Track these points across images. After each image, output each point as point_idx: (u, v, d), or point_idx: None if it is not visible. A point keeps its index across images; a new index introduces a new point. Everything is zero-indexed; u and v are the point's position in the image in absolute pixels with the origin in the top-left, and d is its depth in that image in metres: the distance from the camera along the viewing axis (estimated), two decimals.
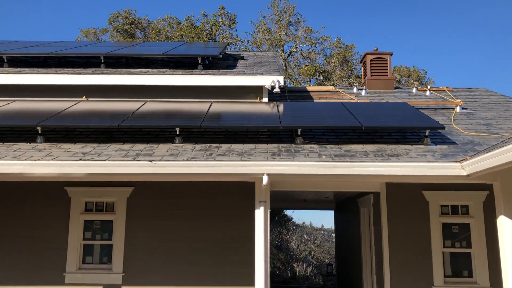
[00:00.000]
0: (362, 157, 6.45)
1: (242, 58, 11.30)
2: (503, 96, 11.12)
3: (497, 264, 7.21)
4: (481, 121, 8.83)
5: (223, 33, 28.65)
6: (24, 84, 8.98)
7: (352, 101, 10.22)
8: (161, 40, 27.18)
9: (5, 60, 9.61)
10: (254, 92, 9.19)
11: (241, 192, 7.86)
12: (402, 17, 57.13)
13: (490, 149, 6.16)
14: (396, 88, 12.09)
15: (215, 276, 7.83)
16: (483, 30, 59.59)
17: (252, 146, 7.04)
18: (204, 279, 7.82)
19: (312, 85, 27.17)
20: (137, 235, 8.02)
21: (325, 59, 28.92)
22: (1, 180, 7.13)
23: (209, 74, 9.12)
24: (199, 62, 9.61)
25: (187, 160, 6.30)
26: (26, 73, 9.03)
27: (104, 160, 6.27)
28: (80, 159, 6.30)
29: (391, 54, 12.22)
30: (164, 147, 6.99)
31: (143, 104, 8.40)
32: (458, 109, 9.62)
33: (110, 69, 9.39)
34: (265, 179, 6.15)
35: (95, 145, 7.06)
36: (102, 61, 9.65)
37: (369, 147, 6.96)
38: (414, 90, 11.66)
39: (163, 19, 29.35)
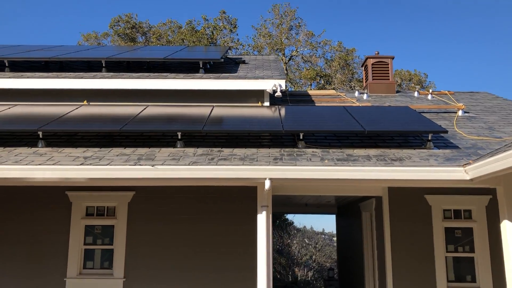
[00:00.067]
0: (364, 162, 6.41)
1: (244, 62, 11.28)
2: (505, 100, 11.09)
3: (500, 269, 7.17)
4: (484, 125, 8.81)
5: (224, 37, 28.66)
6: (25, 88, 8.96)
7: (354, 105, 10.20)
8: (162, 44, 27.20)
9: (7, 65, 9.60)
10: (255, 96, 9.17)
11: (243, 197, 7.83)
12: (402, 21, 57.20)
13: (493, 153, 6.13)
14: (397, 92, 12.07)
15: (217, 281, 7.79)
16: (483, 34, 59.64)
17: (254, 150, 7.01)
18: (206, 284, 7.78)
19: (313, 89, 27.17)
20: (138, 240, 7.98)
21: (326, 63, 28.93)
22: (1, 185, 7.11)
23: (210, 78, 9.10)
24: (201, 66, 9.59)
25: (189, 164, 6.27)
26: (28, 77, 9.02)
27: (106, 165, 6.24)
28: (82, 164, 6.28)
29: (393, 58, 12.22)
30: (165, 151, 6.96)
31: (145, 108, 8.38)
32: (460, 113, 9.60)
33: (111, 73, 9.37)
34: (267, 184, 6.12)
35: (96, 149, 7.03)
36: (104, 65, 9.64)
37: (372, 151, 6.93)
38: (415, 94, 11.64)
39: (164, 23, 29.38)
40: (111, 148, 7.09)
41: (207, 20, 29.03)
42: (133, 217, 8.07)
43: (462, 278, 7.86)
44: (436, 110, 9.88)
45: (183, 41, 26.90)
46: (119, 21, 28.87)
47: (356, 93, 11.63)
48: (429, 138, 7.19)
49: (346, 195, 9.52)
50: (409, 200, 7.99)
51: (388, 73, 12.04)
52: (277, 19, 29.18)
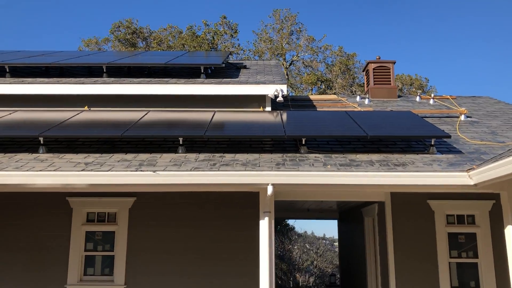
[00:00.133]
0: (367, 167, 6.37)
1: (245, 67, 11.26)
2: (507, 105, 11.06)
3: (505, 274, 7.11)
4: (486, 129, 8.77)
5: (225, 42, 28.69)
6: (26, 94, 8.93)
7: (355, 109, 10.16)
8: (163, 49, 27.22)
9: (7, 70, 9.58)
10: (257, 101, 9.14)
11: (245, 202, 7.78)
12: (403, 25, 57.27)
13: (497, 158, 6.09)
14: (399, 96, 12.04)
15: (219, 286, 7.74)
16: (484, 36, 59.70)
17: (256, 155, 6.97)
18: None
19: (314, 93, 27.17)
20: (139, 246, 7.93)
21: (327, 67, 28.94)
22: (2, 191, 7.07)
23: (212, 83, 9.07)
24: (202, 71, 9.57)
25: (190, 170, 6.23)
26: (28, 83, 8.99)
27: (107, 171, 6.20)
28: (83, 170, 6.23)
29: (394, 63, 12.19)
30: (167, 157, 6.92)
31: (146, 114, 8.35)
32: (462, 117, 9.56)
33: (112, 79, 9.34)
34: (269, 189, 6.07)
35: (97, 155, 6.99)
36: (104, 70, 9.62)
37: (374, 157, 6.88)
38: (417, 98, 11.61)
39: (164, 29, 29.42)
40: (112, 154, 7.05)
41: (207, 25, 29.08)
42: (134, 223, 8.02)
43: (465, 284, 7.80)
44: (438, 115, 9.84)
45: (184, 46, 26.92)
46: (119, 26, 28.90)
47: (358, 98, 11.60)
48: (432, 143, 7.15)
49: (348, 200, 9.49)
50: (412, 205, 7.94)
51: (390, 78, 12.01)
52: (278, 24, 29.23)
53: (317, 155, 7.00)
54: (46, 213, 8.05)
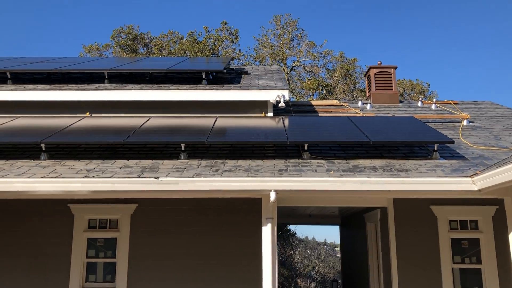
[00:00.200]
0: (371, 173, 6.34)
1: (246, 72, 11.26)
2: (509, 109, 11.05)
3: (509, 280, 7.08)
4: (489, 134, 8.74)
5: (225, 48, 28.73)
6: (28, 100, 8.93)
7: (357, 115, 10.15)
8: (164, 55, 27.25)
9: (9, 77, 9.58)
10: (259, 106, 9.13)
11: (247, 208, 7.74)
12: (403, 31, 57.37)
13: (501, 163, 6.06)
14: (401, 101, 12.03)
15: None
16: (485, 40, 59.76)
17: (258, 161, 6.95)
18: None
19: (315, 99, 27.16)
20: (141, 252, 7.89)
21: (328, 73, 28.96)
22: (3, 198, 7.05)
23: (213, 89, 9.06)
24: (203, 77, 9.56)
25: (193, 176, 6.21)
26: (30, 89, 8.99)
27: (109, 177, 6.18)
28: (85, 176, 6.22)
29: (396, 68, 12.19)
30: (169, 163, 6.90)
31: (148, 120, 8.33)
32: (465, 122, 9.54)
33: (114, 85, 9.33)
34: (272, 196, 6.05)
35: (99, 161, 6.97)
36: (106, 76, 9.61)
37: (377, 162, 6.86)
38: (419, 103, 11.59)
39: (165, 35, 29.46)
40: (114, 160, 7.03)
41: (208, 31, 29.14)
42: (136, 230, 7.98)
43: None
44: (440, 120, 9.82)
45: (185, 52, 26.95)
46: (120, 32, 28.96)
47: (359, 103, 11.59)
48: (435, 149, 7.13)
49: (351, 206, 9.44)
50: (415, 211, 7.90)
51: (391, 83, 12.01)
52: (279, 30, 29.27)
53: (319, 161, 6.97)
54: (47, 220, 8.01)
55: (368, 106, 11.21)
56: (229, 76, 10.59)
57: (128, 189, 6.16)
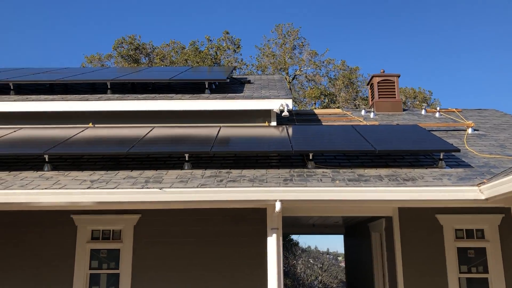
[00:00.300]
0: (376, 182, 6.29)
1: (249, 82, 11.25)
2: None
3: None
4: (494, 142, 8.69)
5: (228, 57, 28.79)
6: (30, 111, 8.91)
7: (361, 123, 10.11)
8: (166, 65, 27.31)
9: (12, 88, 9.57)
10: (262, 116, 9.10)
11: (251, 218, 7.68)
12: (404, 39, 57.49)
13: (508, 172, 6.01)
14: (404, 110, 11.99)
15: None
16: (486, 49, 59.88)
17: (263, 171, 6.90)
18: None
19: (318, 107, 27.16)
20: (145, 263, 7.83)
21: (330, 81, 28.97)
22: (6, 210, 7.00)
23: (216, 98, 9.04)
24: (206, 86, 9.54)
25: (197, 187, 6.16)
26: (33, 100, 8.97)
27: (113, 188, 6.14)
28: (89, 187, 6.17)
29: (399, 76, 12.16)
30: (173, 173, 6.85)
31: (151, 130, 8.30)
32: (469, 130, 9.49)
33: (117, 95, 9.32)
34: (277, 206, 5.99)
35: (103, 172, 6.93)
36: (109, 87, 9.60)
37: (383, 171, 6.80)
38: (423, 111, 11.55)
39: (167, 44, 29.55)
40: (117, 171, 6.99)
41: (210, 40, 29.23)
42: (139, 240, 7.93)
43: None
44: (445, 128, 9.77)
45: (187, 61, 27.01)
46: (122, 42, 29.05)
47: (363, 112, 11.54)
48: (441, 157, 7.07)
49: (355, 215, 9.37)
50: (420, 220, 7.83)
51: (394, 91, 11.97)
52: (280, 39, 29.35)
53: (325, 170, 6.92)
54: (50, 231, 7.96)
55: (371, 115, 11.17)
56: (232, 86, 10.57)
57: (132, 200, 6.11)
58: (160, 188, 6.10)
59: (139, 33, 37.51)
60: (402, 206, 7.63)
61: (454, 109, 11.47)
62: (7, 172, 7.01)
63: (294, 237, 25.79)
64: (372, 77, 12.29)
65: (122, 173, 6.87)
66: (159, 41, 35.73)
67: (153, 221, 7.95)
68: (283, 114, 8.78)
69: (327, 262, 30.93)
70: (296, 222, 12.95)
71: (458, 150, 7.06)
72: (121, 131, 8.37)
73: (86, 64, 28.94)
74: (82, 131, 8.32)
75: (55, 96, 9.31)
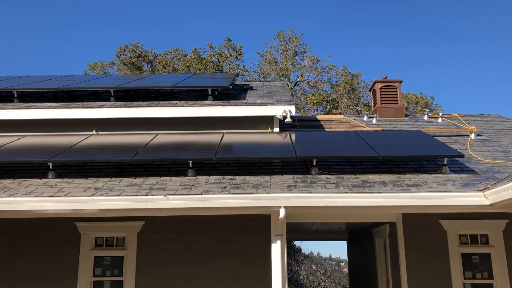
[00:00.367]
0: (381, 188, 6.28)
1: (251, 88, 11.27)
2: None
3: None
4: (498, 147, 8.68)
5: (230, 64, 28.86)
6: (34, 119, 8.94)
7: (364, 129, 10.11)
8: (168, 72, 27.37)
9: (15, 96, 9.61)
10: (265, 122, 9.11)
11: (255, 225, 7.66)
12: (405, 45, 57.59)
13: None
14: (407, 115, 12.00)
15: None
16: (487, 49, 59.93)
17: (267, 177, 6.90)
18: None
19: (320, 113, 27.17)
20: (149, 271, 7.81)
21: (332, 87, 29.00)
22: (10, 217, 7.01)
23: (219, 105, 9.06)
24: (209, 93, 9.57)
25: (201, 193, 6.16)
26: (37, 108, 9.00)
27: (117, 195, 6.14)
28: (93, 195, 6.18)
29: (401, 82, 12.18)
30: (177, 180, 6.86)
31: (155, 137, 8.32)
32: (473, 136, 9.49)
33: (120, 102, 9.35)
34: (282, 212, 5.98)
35: (107, 179, 6.93)
36: (112, 94, 9.63)
37: (387, 177, 6.80)
38: (425, 117, 11.56)
39: (169, 52, 29.64)
40: (121, 178, 7.00)
41: (212, 47, 29.32)
42: (143, 247, 7.91)
43: None
44: (448, 134, 9.77)
45: (189, 68, 27.08)
46: (125, 50, 29.14)
47: (365, 118, 11.56)
48: (445, 163, 7.07)
49: (359, 221, 9.35)
50: (424, 225, 7.81)
51: (397, 97, 11.99)
52: (282, 46, 29.40)
53: (328, 176, 6.92)
54: (54, 239, 7.95)
55: (374, 121, 11.18)
56: (234, 92, 10.59)
57: (137, 207, 6.11)
58: (164, 195, 6.10)
59: (142, 41, 37.70)
60: (406, 212, 7.61)
61: (456, 115, 11.47)
62: (12, 179, 7.03)
63: (297, 243, 25.74)
64: (375, 83, 12.31)
65: (126, 180, 6.87)
66: (162, 49, 35.93)
67: (156, 228, 7.94)
68: (286, 120, 8.79)
69: (329, 268, 30.85)
70: (299, 228, 12.92)
71: (462, 156, 7.05)
72: (125, 138, 8.39)
73: (89, 71, 29.03)
74: (86, 138, 8.34)
75: (58, 104, 9.34)
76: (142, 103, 9.28)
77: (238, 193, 6.14)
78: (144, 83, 10.81)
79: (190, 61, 27.68)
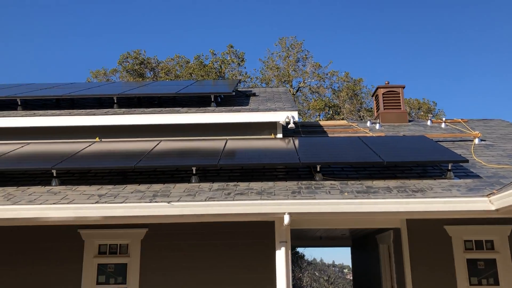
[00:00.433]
0: (385, 194, 6.26)
1: (254, 94, 11.28)
2: None
3: None
4: (502, 152, 8.65)
5: (232, 71, 28.91)
6: (38, 126, 8.94)
7: (367, 135, 10.09)
8: (171, 79, 27.42)
9: (19, 103, 9.63)
10: (268, 128, 9.10)
11: (259, 231, 7.63)
12: (406, 51, 57.63)
13: None
14: (410, 121, 11.98)
15: None
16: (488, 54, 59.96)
17: (270, 183, 6.88)
18: None
19: (322, 119, 27.16)
20: (152, 278, 7.78)
21: (334, 93, 29.01)
22: (14, 225, 6.99)
23: (222, 111, 9.06)
24: (212, 100, 9.57)
25: (205, 200, 6.15)
26: (40, 116, 9.01)
27: (121, 203, 6.13)
28: (97, 202, 6.17)
29: (403, 87, 12.16)
30: (180, 187, 6.84)
31: (158, 144, 8.31)
32: (476, 141, 9.46)
33: (123, 109, 9.35)
34: (286, 219, 5.96)
35: (110, 186, 6.92)
36: (115, 101, 9.63)
37: (391, 183, 6.77)
38: (428, 122, 11.54)
39: (172, 59, 29.71)
40: (125, 185, 6.99)
41: (215, 54, 29.38)
42: (147, 255, 7.89)
43: None
44: (451, 139, 9.75)
45: (191, 75, 27.12)
46: (127, 57, 29.21)
47: (368, 123, 11.54)
48: (449, 168, 7.04)
49: (363, 227, 9.32)
50: (428, 231, 7.78)
51: (400, 102, 11.97)
52: (284, 52, 29.44)
53: (332, 182, 6.90)
54: (57, 246, 7.92)
55: (377, 126, 11.16)
56: (237, 98, 10.59)
57: (141, 214, 6.10)
58: (168, 202, 6.08)
59: (144, 48, 37.69)
60: (411, 218, 7.58)
61: (459, 120, 11.45)
62: (16, 187, 7.02)
63: (300, 249, 25.65)
64: (377, 88, 12.30)
65: (130, 187, 6.86)
66: (164, 56, 35.90)
67: (160, 235, 7.92)
68: (289, 126, 8.78)
69: (333, 275, 30.74)
70: (303, 234, 12.88)
71: (467, 161, 7.03)
72: (128, 145, 8.38)
73: (92, 79, 29.10)
74: (89, 145, 8.34)
75: (62, 111, 9.35)
76: (145, 110, 9.29)
77: (242, 200, 6.13)
78: (147, 90, 10.82)
79: (192, 68, 27.73)
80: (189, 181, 7.09)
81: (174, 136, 9.01)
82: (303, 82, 29.33)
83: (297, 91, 29.36)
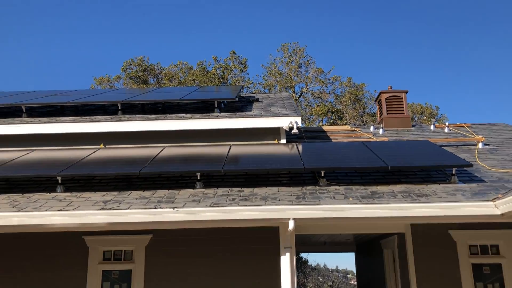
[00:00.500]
0: (390, 198, 6.25)
1: (257, 100, 11.30)
2: None
3: None
4: (507, 157, 8.63)
5: (235, 77, 28.99)
6: (42, 133, 8.97)
7: (371, 140, 10.09)
8: (174, 85, 27.51)
9: (24, 110, 9.68)
10: (271, 133, 9.12)
11: (264, 237, 7.62)
12: (408, 56, 57.69)
13: None
14: (413, 125, 11.98)
15: None
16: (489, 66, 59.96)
17: (275, 189, 6.89)
18: None
19: (325, 124, 27.17)
20: (157, 284, 7.77)
21: (337, 98, 29.03)
22: (20, 232, 7.01)
23: (226, 117, 9.08)
24: (216, 105, 9.60)
25: (210, 206, 6.16)
26: (45, 122, 9.05)
27: (126, 209, 6.15)
28: (102, 208, 6.18)
29: (406, 92, 12.19)
30: (185, 193, 6.86)
31: (162, 150, 8.34)
32: (480, 145, 9.45)
33: (127, 116, 9.38)
34: (291, 224, 5.96)
35: (115, 193, 6.94)
36: (119, 108, 9.67)
37: (396, 188, 6.77)
38: (432, 127, 11.54)
39: (175, 65, 29.82)
40: (130, 191, 7.01)
41: (218, 60, 29.47)
42: (151, 261, 7.89)
43: None
44: (455, 143, 9.74)
45: (194, 81, 27.21)
46: (131, 64, 29.34)
47: (372, 128, 11.55)
48: (454, 172, 7.03)
49: (368, 232, 9.30)
50: (433, 236, 7.75)
51: (403, 107, 11.99)
52: (286, 58, 29.52)
53: (337, 187, 6.90)
54: (61, 253, 7.93)
55: (380, 131, 11.16)
56: (240, 104, 10.62)
57: (146, 220, 6.11)
58: (173, 208, 6.10)
59: (147, 55, 37.88)
60: (415, 223, 7.56)
61: (463, 124, 11.44)
62: (21, 194, 7.05)
63: (303, 255, 25.59)
64: (380, 93, 12.32)
65: (135, 194, 6.88)
66: (167, 62, 36.13)
67: (164, 241, 7.92)
68: (292, 131, 8.79)
69: (337, 280, 30.63)
70: (308, 240, 12.87)
71: (471, 165, 7.02)
72: (133, 151, 8.41)
73: (95, 85, 29.23)
74: (94, 152, 8.37)
75: (66, 118, 9.39)
76: (149, 116, 9.32)
77: (247, 205, 6.13)
78: (151, 96, 10.86)
79: (195, 74, 27.82)
80: (193, 187, 7.10)
81: (178, 142, 9.04)
82: (306, 87, 29.37)
83: (299, 96, 29.39)
